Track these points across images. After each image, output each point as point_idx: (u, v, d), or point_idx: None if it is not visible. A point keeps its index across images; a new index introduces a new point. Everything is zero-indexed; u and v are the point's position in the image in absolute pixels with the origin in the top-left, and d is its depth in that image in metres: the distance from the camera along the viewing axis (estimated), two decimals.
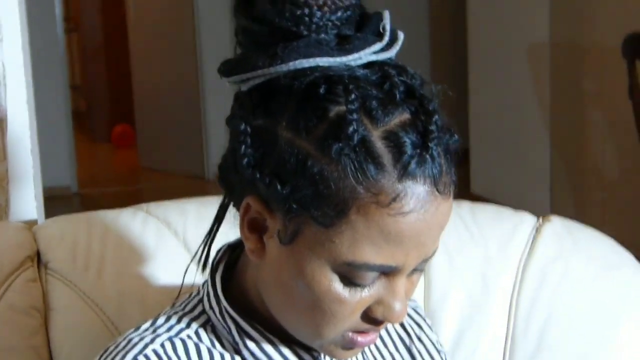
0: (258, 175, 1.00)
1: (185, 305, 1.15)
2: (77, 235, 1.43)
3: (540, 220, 1.56)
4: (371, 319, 1.04)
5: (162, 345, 1.08)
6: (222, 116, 1.10)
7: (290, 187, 0.98)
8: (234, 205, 1.10)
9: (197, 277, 1.19)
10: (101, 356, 1.08)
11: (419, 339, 1.27)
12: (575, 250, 1.52)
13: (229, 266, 1.15)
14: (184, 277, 1.21)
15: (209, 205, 1.29)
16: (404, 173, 0.96)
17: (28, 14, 1.94)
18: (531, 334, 1.46)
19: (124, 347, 1.07)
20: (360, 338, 1.05)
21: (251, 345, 1.10)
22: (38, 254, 1.42)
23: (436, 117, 0.98)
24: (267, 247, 1.04)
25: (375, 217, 0.96)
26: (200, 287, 1.16)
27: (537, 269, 1.49)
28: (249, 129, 1.02)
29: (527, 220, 1.56)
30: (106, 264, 1.39)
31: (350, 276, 0.99)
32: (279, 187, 0.98)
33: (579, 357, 1.46)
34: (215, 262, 1.15)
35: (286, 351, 1.11)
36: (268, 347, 1.10)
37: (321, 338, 1.04)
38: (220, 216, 1.16)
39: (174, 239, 1.44)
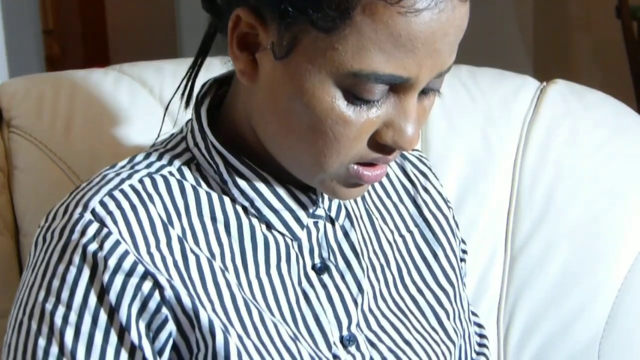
0: None
1: (166, 143, 1.03)
2: (43, 92, 1.30)
3: (544, 83, 1.45)
4: (380, 145, 0.91)
5: (141, 181, 0.96)
6: None
7: None
8: (220, 31, 0.97)
9: (180, 114, 1.07)
10: (72, 193, 0.96)
11: (425, 189, 1.16)
12: (584, 111, 1.41)
13: (216, 104, 1.03)
14: (164, 116, 1.09)
15: (188, 65, 1.15)
16: None
17: None
18: (537, 197, 1.35)
19: (97, 183, 0.95)
20: (366, 171, 0.93)
21: (241, 182, 0.98)
22: (0, 112, 1.29)
23: None
24: (260, 66, 0.91)
25: (383, 17, 0.83)
26: (184, 126, 1.03)
27: (542, 130, 1.38)
28: None
29: (530, 81, 1.45)
30: (75, 122, 1.27)
31: (355, 90, 0.86)
32: None
33: (587, 221, 1.35)
34: (200, 96, 1.02)
35: (281, 190, 0.99)
36: (260, 185, 0.98)
37: (323, 170, 0.92)
38: (205, 47, 1.03)
39: (150, 98, 1.32)
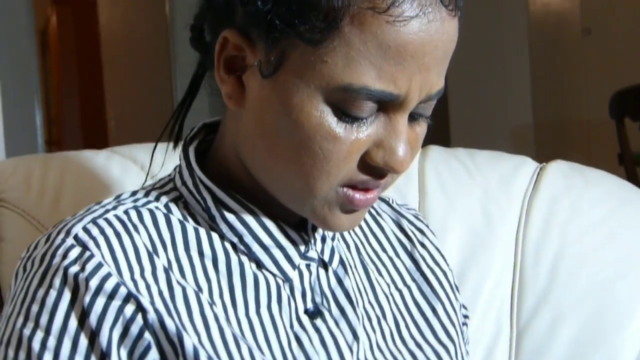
0: None
1: (154, 184, 1.01)
2: (31, 168, 1.28)
3: (544, 163, 1.43)
4: (370, 167, 0.88)
5: (126, 212, 0.92)
6: None
7: (273, 1, 0.84)
8: (209, 68, 0.96)
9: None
10: (58, 225, 0.92)
11: (422, 245, 1.12)
12: (586, 186, 1.38)
13: (203, 150, 1.01)
14: (152, 153, 1.07)
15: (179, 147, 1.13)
16: None
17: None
18: (541, 270, 1.31)
19: (81, 214, 0.92)
20: (357, 194, 0.89)
21: (229, 217, 0.94)
22: None
23: None
24: (247, 88, 0.89)
25: (372, 26, 0.81)
26: (173, 170, 1.01)
27: (543, 203, 1.35)
28: None
29: (529, 161, 1.43)
30: (64, 193, 1.25)
31: (345, 106, 0.84)
32: (259, 3, 0.84)
33: (594, 293, 1.31)
34: (188, 138, 1.00)
35: (271, 225, 0.95)
36: (249, 219, 0.94)
37: (312, 194, 0.88)
38: (193, 88, 1.02)
39: (141, 173, 1.30)
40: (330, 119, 0.85)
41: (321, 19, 0.82)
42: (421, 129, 0.92)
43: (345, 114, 0.85)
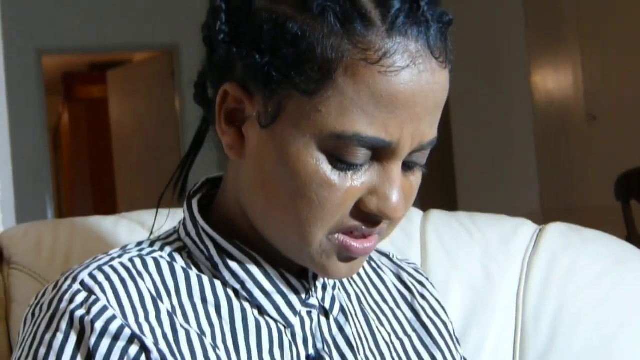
0: (234, 50, 0.91)
1: (159, 236, 1.04)
2: (41, 233, 1.32)
3: (543, 225, 1.46)
4: (364, 215, 0.91)
5: (131, 260, 0.95)
6: None
7: (269, 53, 0.88)
8: (212, 123, 1.00)
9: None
10: (65, 273, 0.95)
11: (422, 296, 1.14)
12: (584, 245, 1.41)
13: (206, 204, 1.04)
14: (158, 204, 1.10)
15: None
16: (393, 27, 0.85)
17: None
18: (543, 326, 1.33)
19: (88, 262, 0.95)
20: (354, 243, 0.92)
21: (232, 264, 0.97)
22: (1, 254, 1.30)
23: None
24: (246, 138, 0.93)
25: (365, 77, 0.85)
26: (178, 223, 1.04)
27: (543, 261, 1.38)
28: (223, 5, 0.93)
29: (528, 223, 1.46)
30: (73, 256, 1.28)
31: (339, 154, 0.87)
32: (257, 57, 0.89)
33: (594, 349, 1.32)
34: (192, 192, 1.04)
35: (272, 272, 0.98)
36: (251, 267, 0.97)
37: (308, 243, 0.91)
38: (197, 142, 1.06)
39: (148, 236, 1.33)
40: (326, 167, 0.88)
41: (316, 70, 0.86)
42: (416, 178, 0.94)
43: (340, 161, 0.88)
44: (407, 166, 0.93)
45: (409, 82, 0.86)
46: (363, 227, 0.92)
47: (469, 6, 5.64)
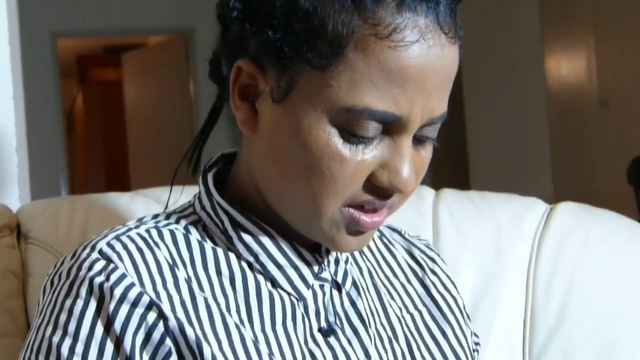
0: (248, 27, 0.93)
1: (175, 209, 1.06)
2: (59, 209, 1.34)
3: (554, 205, 1.48)
4: (375, 188, 0.93)
5: (148, 231, 0.98)
6: None
7: (282, 29, 0.90)
8: (226, 100, 1.02)
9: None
10: (83, 243, 0.97)
11: (433, 272, 1.16)
12: (595, 224, 1.42)
13: (221, 180, 1.06)
14: (173, 178, 1.12)
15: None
16: (403, 3, 0.87)
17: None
18: (552, 305, 1.35)
19: (106, 233, 0.98)
20: (363, 216, 0.94)
21: (246, 237, 0.99)
22: (18, 229, 1.33)
23: None
24: (259, 114, 0.95)
25: (375, 51, 0.87)
26: (192, 197, 1.07)
27: (553, 240, 1.39)
28: None
29: (538, 202, 1.48)
30: (90, 231, 1.30)
31: (350, 127, 0.89)
32: (270, 33, 0.91)
33: (603, 328, 1.34)
34: (207, 166, 1.06)
35: (285, 246, 1.00)
36: (265, 240, 0.99)
37: (320, 214, 0.93)
38: (212, 118, 1.08)
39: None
40: (337, 140, 0.90)
41: (327, 45, 0.88)
42: (426, 152, 0.96)
43: (351, 135, 0.90)
44: (418, 140, 0.94)
45: (418, 57, 0.88)
46: (375, 200, 0.94)
47: None
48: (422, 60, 0.88)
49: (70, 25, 7.17)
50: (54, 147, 7.16)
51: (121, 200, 1.36)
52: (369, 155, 0.91)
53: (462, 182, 6.24)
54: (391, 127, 0.91)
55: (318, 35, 0.88)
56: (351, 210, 0.94)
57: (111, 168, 9.30)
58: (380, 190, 0.93)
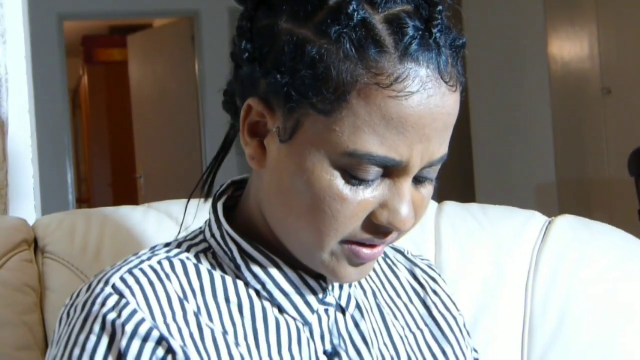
0: (258, 69, 0.98)
1: (186, 236, 1.11)
2: (74, 223, 1.39)
3: (552, 218, 1.52)
4: (374, 226, 0.98)
5: (159, 263, 1.03)
6: None
7: (289, 74, 0.95)
8: (237, 129, 1.07)
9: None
10: (98, 275, 1.03)
11: (434, 292, 1.21)
12: (591, 239, 1.47)
13: (232, 205, 1.11)
14: (186, 205, 1.17)
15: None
16: (405, 54, 0.92)
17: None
18: (550, 317, 1.40)
19: (119, 264, 1.03)
20: (364, 249, 0.99)
21: (254, 267, 1.04)
22: (35, 243, 1.38)
23: (440, 8, 0.95)
24: (267, 150, 1.00)
25: (376, 99, 0.92)
26: (203, 224, 1.12)
27: (551, 254, 1.44)
28: (249, 25, 1.00)
29: (537, 215, 1.52)
30: (104, 246, 1.35)
31: (352, 170, 0.94)
32: (278, 76, 0.95)
33: (599, 342, 1.39)
34: (217, 194, 1.11)
35: (291, 274, 1.05)
36: (272, 270, 1.04)
37: (321, 248, 0.98)
38: (225, 146, 1.13)
39: (175, 227, 1.40)
40: (339, 182, 0.95)
41: (331, 91, 0.93)
42: (426, 190, 1.01)
43: (353, 177, 0.95)
44: (418, 180, 0.99)
45: (418, 106, 0.92)
46: (374, 239, 0.99)
47: None
48: (421, 109, 0.93)
49: (76, 7, 7.20)
50: (60, 126, 7.21)
51: (134, 214, 1.41)
52: (369, 195, 0.96)
53: (466, 166, 6.29)
54: (391, 170, 0.96)
55: (323, 82, 0.93)
56: (351, 245, 0.99)
57: (116, 145, 9.35)
58: (379, 228, 0.98)
